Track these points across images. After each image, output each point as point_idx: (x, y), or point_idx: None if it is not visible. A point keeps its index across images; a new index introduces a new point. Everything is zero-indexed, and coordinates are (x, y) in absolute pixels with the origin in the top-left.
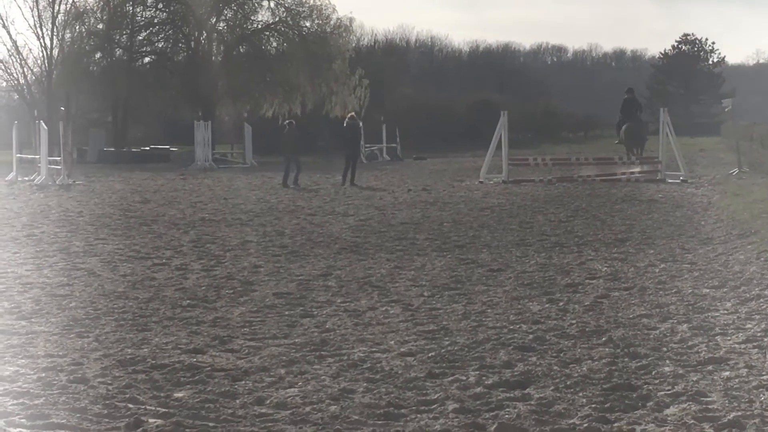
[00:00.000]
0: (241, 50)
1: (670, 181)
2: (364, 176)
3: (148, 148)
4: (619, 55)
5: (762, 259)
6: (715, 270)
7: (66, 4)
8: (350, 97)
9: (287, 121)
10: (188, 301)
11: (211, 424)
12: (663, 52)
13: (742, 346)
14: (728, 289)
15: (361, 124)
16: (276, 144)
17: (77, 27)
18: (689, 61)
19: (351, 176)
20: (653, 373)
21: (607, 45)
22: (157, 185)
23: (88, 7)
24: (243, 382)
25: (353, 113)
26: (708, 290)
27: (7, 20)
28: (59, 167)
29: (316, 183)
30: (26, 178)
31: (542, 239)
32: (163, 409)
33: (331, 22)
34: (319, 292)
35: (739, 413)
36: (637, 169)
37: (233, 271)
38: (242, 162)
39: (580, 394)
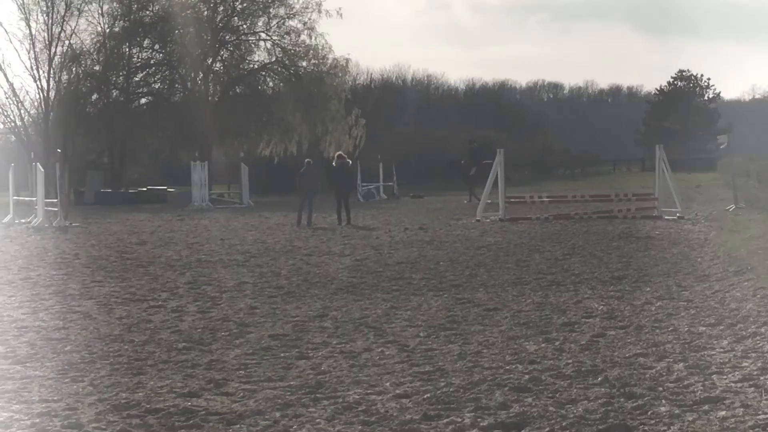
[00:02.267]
0: (238, 90)
1: (666, 217)
2: (360, 215)
3: (144, 189)
4: (615, 91)
5: (759, 296)
6: (712, 307)
7: (63, 47)
8: (346, 137)
9: (306, 161)
10: (184, 344)
11: None
12: (659, 89)
13: (739, 385)
14: (725, 327)
15: (350, 162)
16: (272, 184)
17: (74, 69)
18: (685, 97)
19: (347, 215)
20: (649, 413)
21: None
22: (153, 226)
23: (84, 49)
24: (238, 425)
25: (341, 153)
26: (704, 328)
27: (3, 63)
28: (56, 209)
29: (312, 223)
30: (23, 221)
31: (539, 278)
32: None
33: (328, 62)
34: (315, 334)
35: None
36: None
37: (229, 313)
38: (239, 202)
39: None
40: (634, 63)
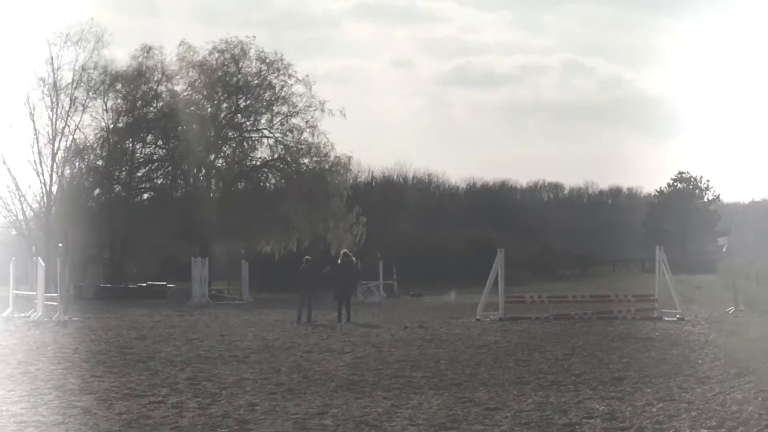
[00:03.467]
0: (239, 187)
1: (666, 318)
2: (360, 313)
3: (144, 284)
4: (615, 192)
5: (760, 398)
6: (713, 410)
7: (66, 141)
8: (347, 234)
9: (305, 258)
10: None
11: None
12: (658, 190)
13: None
14: (726, 430)
15: (354, 260)
16: (272, 280)
17: (77, 164)
18: (685, 198)
19: (347, 313)
20: None
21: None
22: (153, 321)
23: (88, 144)
24: None
25: (346, 250)
26: (705, 430)
27: (6, 157)
28: (56, 303)
29: (312, 320)
30: (23, 314)
31: (539, 377)
32: None
33: (330, 160)
34: (316, 431)
35: None
36: None
37: (229, 410)
38: (239, 298)
39: None
40: (633, 164)
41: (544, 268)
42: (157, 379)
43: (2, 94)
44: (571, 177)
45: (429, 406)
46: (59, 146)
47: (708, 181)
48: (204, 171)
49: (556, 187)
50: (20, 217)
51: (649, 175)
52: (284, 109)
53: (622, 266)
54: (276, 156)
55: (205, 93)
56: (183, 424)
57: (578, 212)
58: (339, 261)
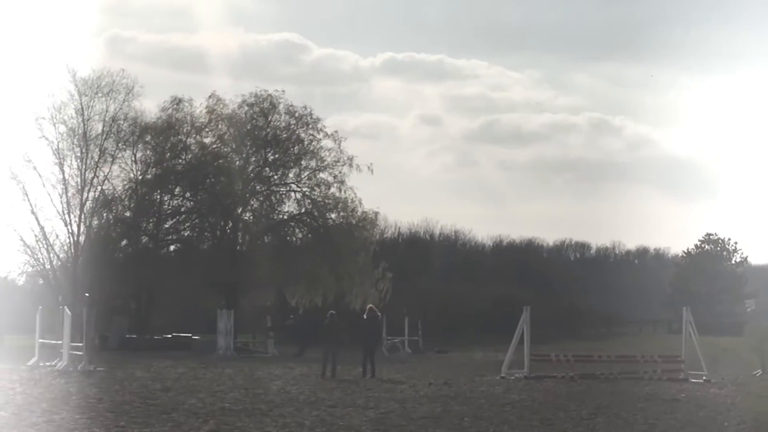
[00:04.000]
0: (266, 240)
1: (693, 380)
2: (385, 369)
3: (169, 336)
4: (642, 252)
5: None
6: None
7: (95, 192)
8: (372, 290)
9: (329, 312)
10: None
11: None
12: (686, 251)
13: None
14: None
15: (380, 315)
16: (295, 334)
17: (105, 214)
18: (712, 260)
19: (371, 368)
20: None
21: (630, 242)
22: (177, 373)
23: (116, 195)
24: None
25: (372, 306)
26: None
27: (35, 207)
28: (81, 353)
29: (337, 375)
30: (48, 363)
31: None
32: None
33: (357, 215)
34: None
35: None
36: None
37: None
38: (264, 351)
39: None
40: (661, 225)
41: (569, 327)
42: (180, 430)
43: (32, 143)
44: (597, 236)
45: None
46: (88, 196)
47: (736, 243)
48: (231, 224)
49: (583, 247)
50: (47, 266)
51: (676, 235)
52: (312, 163)
53: (649, 327)
54: (303, 210)
55: (233, 146)
56: None
57: (605, 272)
58: (365, 316)
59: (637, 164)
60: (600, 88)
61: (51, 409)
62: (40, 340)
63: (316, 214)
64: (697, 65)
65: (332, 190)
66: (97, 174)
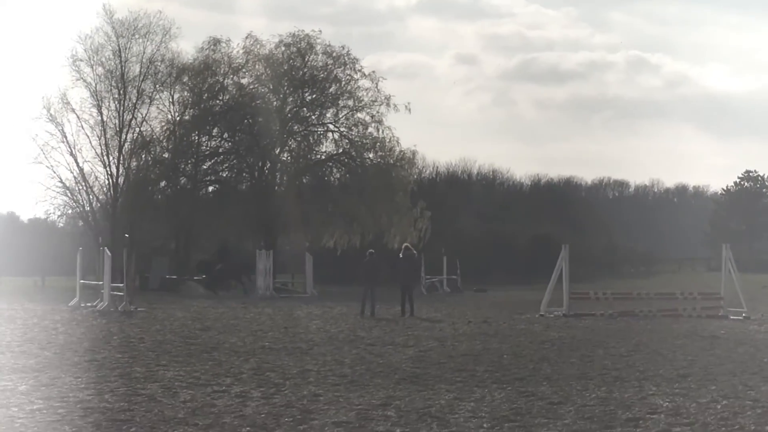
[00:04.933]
0: (304, 181)
1: (732, 317)
2: (423, 308)
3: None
4: (681, 190)
5: None
6: None
7: (133, 134)
8: (410, 229)
9: (369, 251)
10: (247, 429)
11: None
12: (725, 188)
13: None
14: None
15: (417, 254)
16: (336, 274)
17: (143, 156)
18: (751, 197)
19: (410, 307)
20: None
21: (669, 180)
22: (217, 313)
23: (154, 137)
24: None
25: (408, 244)
26: None
27: (74, 148)
28: (122, 294)
29: (376, 313)
30: (89, 304)
31: (603, 373)
32: None
33: (394, 155)
34: (379, 422)
35: None
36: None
37: (293, 400)
38: (303, 291)
39: None
40: (699, 162)
41: (608, 266)
42: (221, 369)
43: (70, 85)
44: (636, 174)
45: (492, 400)
46: (126, 138)
47: None
48: (269, 164)
49: (622, 185)
50: (87, 208)
51: (715, 173)
52: (350, 103)
53: (687, 265)
54: (341, 150)
55: (271, 86)
56: (247, 413)
57: (643, 210)
58: (401, 255)
59: (676, 102)
60: (638, 25)
61: (93, 349)
62: (81, 281)
63: (353, 153)
64: (736, 1)
65: (370, 129)
66: (135, 116)
